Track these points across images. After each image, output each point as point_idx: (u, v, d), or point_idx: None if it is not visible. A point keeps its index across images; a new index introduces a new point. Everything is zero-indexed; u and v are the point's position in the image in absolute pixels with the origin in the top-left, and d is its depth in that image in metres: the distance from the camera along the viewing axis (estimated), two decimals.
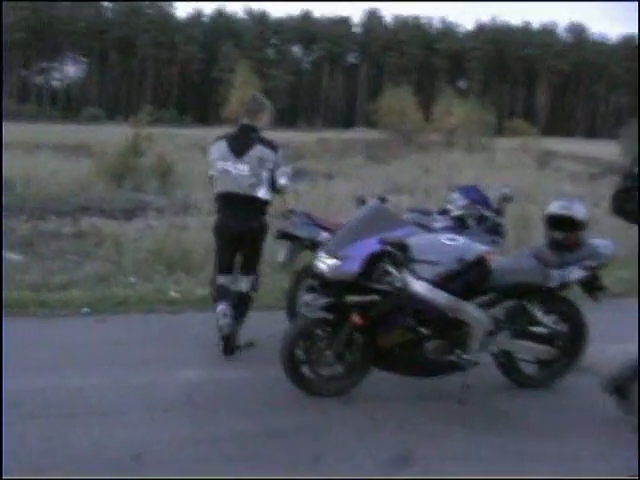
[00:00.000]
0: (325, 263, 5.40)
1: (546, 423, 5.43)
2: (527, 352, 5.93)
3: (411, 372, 5.72)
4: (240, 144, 6.64)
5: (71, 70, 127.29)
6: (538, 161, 31.91)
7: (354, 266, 5.26)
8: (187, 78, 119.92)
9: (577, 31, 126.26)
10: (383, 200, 6.21)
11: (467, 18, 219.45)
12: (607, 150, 38.69)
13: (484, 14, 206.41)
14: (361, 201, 6.55)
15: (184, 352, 6.75)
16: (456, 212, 7.11)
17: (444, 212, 7.28)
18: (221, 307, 6.76)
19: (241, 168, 6.55)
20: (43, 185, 16.60)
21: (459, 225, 7.01)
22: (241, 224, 6.65)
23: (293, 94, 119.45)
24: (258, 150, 6.57)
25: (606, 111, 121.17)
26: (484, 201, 7.23)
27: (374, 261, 5.31)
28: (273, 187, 6.73)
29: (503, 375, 6.06)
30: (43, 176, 17.69)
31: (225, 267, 6.91)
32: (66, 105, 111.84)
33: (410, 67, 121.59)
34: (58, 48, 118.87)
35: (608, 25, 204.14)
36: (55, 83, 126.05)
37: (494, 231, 7.09)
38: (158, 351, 6.76)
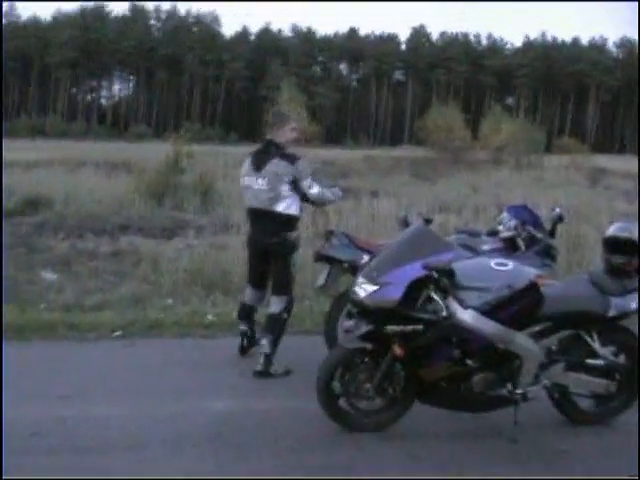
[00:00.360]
0: (364, 289, 5.00)
1: (608, 464, 4.97)
2: (583, 386, 5.47)
3: (457, 407, 5.29)
4: (260, 159, 6.61)
5: (119, 88, 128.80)
6: (589, 179, 31.28)
7: (395, 293, 4.84)
8: (233, 96, 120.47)
9: (627, 46, 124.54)
10: (427, 221, 5.79)
11: (515, 34, 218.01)
12: None
13: (532, 30, 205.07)
14: (404, 222, 6.13)
15: (216, 380, 6.40)
16: (506, 233, 6.71)
17: (493, 233, 6.88)
18: (242, 328, 6.99)
19: (260, 183, 6.52)
20: (82, 203, 16.44)
21: (509, 247, 6.61)
22: (264, 240, 6.63)
23: (340, 111, 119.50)
24: (274, 164, 6.47)
25: None
26: (535, 221, 6.82)
27: (417, 288, 4.89)
28: (307, 200, 6.61)
29: (557, 411, 5.60)
30: (83, 194, 17.55)
31: (253, 279, 6.92)
32: (114, 123, 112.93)
33: (457, 84, 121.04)
34: (106, 67, 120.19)
35: None
36: (103, 101, 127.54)
37: (546, 254, 6.68)
38: (189, 378, 6.42)
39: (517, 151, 42.78)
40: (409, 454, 4.97)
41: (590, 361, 5.40)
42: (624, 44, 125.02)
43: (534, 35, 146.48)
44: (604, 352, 5.43)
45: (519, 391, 5.12)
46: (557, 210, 7.03)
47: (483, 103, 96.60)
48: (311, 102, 79.22)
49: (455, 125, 48.74)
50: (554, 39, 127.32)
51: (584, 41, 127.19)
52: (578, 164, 38.67)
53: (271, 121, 6.77)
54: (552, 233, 6.88)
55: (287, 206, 6.49)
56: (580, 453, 5.13)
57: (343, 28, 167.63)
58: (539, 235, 6.69)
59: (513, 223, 6.76)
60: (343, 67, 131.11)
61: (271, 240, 6.55)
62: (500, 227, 6.86)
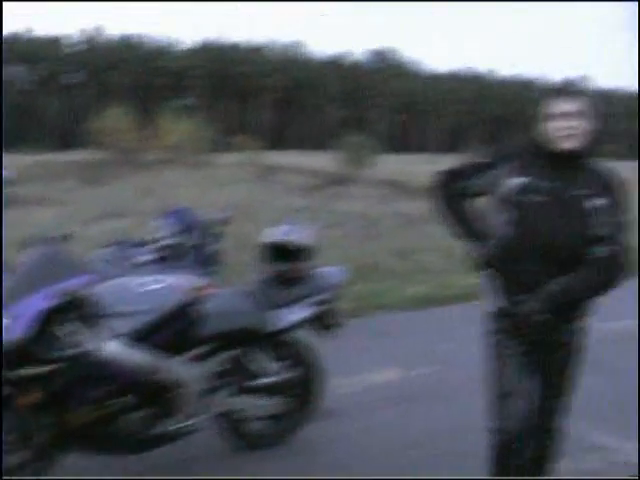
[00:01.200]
0: None
1: None
2: (255, 409, 4.95)
3: (113, 451, 4.52)
4: None
5: None
6: (262, 175, 31.55)
7: (20, 329, 3.98)
8: None
9: (294, 48, 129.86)
10: (63, 238, 4.89)
11: (192, 36, 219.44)
12: (325, 161, 39.20)
13: (209, 33, 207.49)
14: (29, 244, 5.06)
15: None
16: (164, 242, 6.05)
17: (151, 242, 6.20)
18: None
19: None
20: None
21: (170, 256, 5.97)
22: None
23: (13, 115, 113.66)
24: None
25: (322, 124, 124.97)
26: (197, 226, 6.23)
27: (49, 321, 4.08)
28: None
29: (231, 439, 5.04)
30: None
31: None
32: None
33: (133, 85, 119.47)
34: None
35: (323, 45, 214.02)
36: None
37: (210, 260, 6.12)
38: None
39: (191, 150, 42.50)
40: None
41: (260, 381, 4.90)
42: (292, 46, 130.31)
43: (209, 37, 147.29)
44: (274, 368, 4.96)
45: (181, 424, 4.49)
46: (223, 212, 6.51)
47: (159, 104, 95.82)
48: None
49: (128, 126, 47.63)
50: (228, 41, 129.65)
51: (256, 43, 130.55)
52: (253, 161, 39.10)
53: None
54: (217, 237, 6.33)
55: None
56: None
57: (18, 29, 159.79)
58: (201, 241, 6.13)
59: (173, 229, 6.13)
60: (16, 69, 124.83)
61: None
62: (157, 235, 6.20)
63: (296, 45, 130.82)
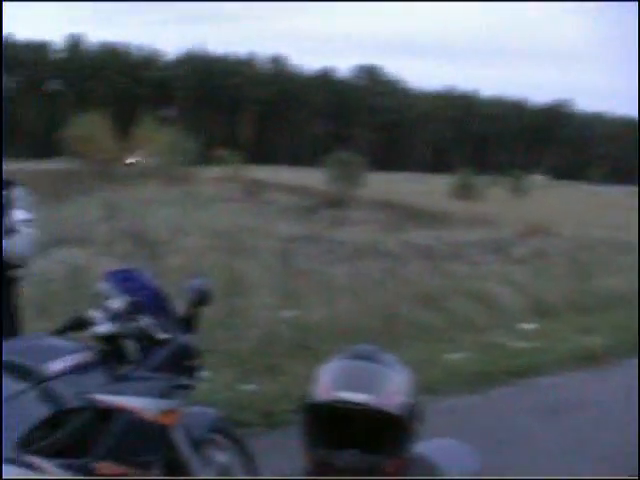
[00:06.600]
0: None
1: None
2: None
3: None
4: None
5: None
6: (246, 193, 28.87)
7: None
8: None
9: (278, 62, 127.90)
10: None
11: (174, 46, 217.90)
12: (314, 178, 36.94)
13: (192, 43, 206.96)
14: None
15: None
16: (101, 329, 3.41)
17: (75, 326, 3.52)
18: None
19: None
20: None
21: (110, 355, 3.35)
22: None
23: None
24: None
25: (307, 139, 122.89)
26: (155, 302, 3.58)
27: None
28: None
29: None
30: None
31: None
32: None
33: (113, 95, 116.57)
34: None
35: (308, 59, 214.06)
36: None
37: (178, 363, 3.47)
38: None
39: (169, 163, 39.88)
40: None
41: None
42: (275, 60, 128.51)
43: (193, 47, 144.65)
44: None
45: None
46: (196, 282, 3.74)
47: (139, 114, 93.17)
48: None
49: (104, 135, 45.13)
50: (211, 52, 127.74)
51: (241, 55, 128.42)
52: (235, 176, 36.77)
53: None
54: (190, 322, 3.64)
55: None
56: None
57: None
58: (162, 335, 3.46)
59: (119, 305, 3.45)
60: None
61: None
62: (98, 313, 3.49)
63: (281, 59, 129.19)
